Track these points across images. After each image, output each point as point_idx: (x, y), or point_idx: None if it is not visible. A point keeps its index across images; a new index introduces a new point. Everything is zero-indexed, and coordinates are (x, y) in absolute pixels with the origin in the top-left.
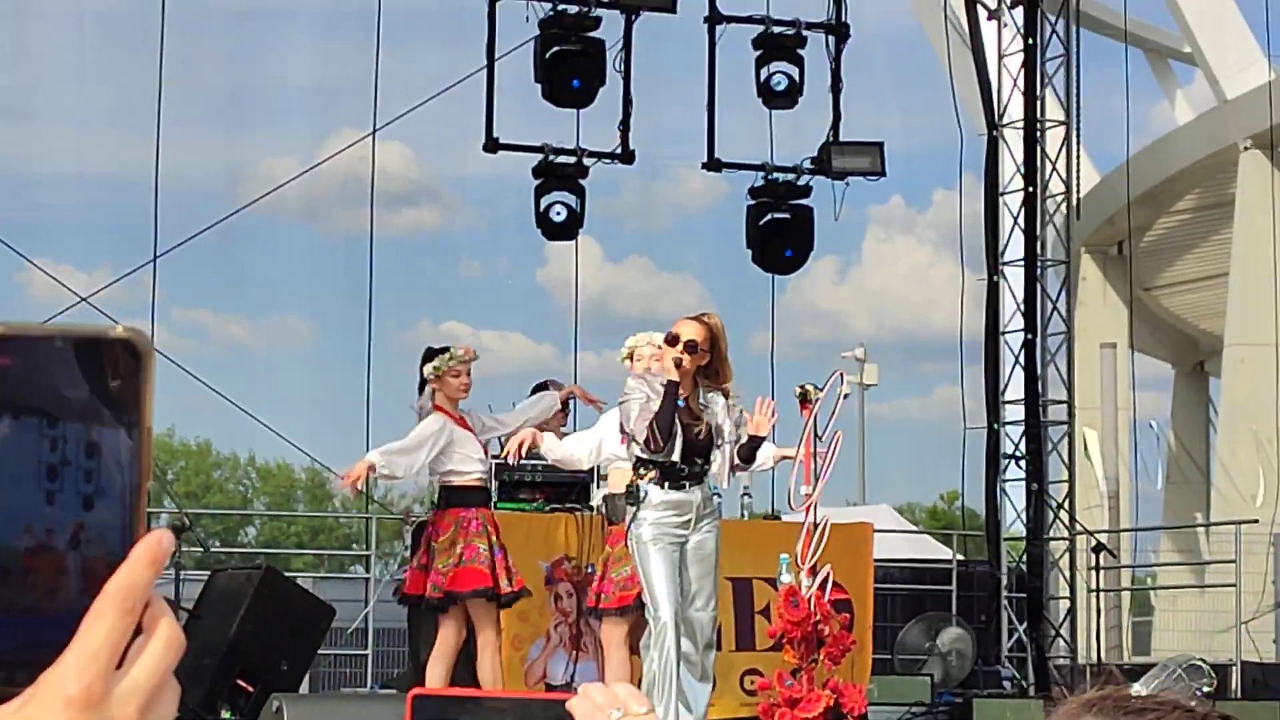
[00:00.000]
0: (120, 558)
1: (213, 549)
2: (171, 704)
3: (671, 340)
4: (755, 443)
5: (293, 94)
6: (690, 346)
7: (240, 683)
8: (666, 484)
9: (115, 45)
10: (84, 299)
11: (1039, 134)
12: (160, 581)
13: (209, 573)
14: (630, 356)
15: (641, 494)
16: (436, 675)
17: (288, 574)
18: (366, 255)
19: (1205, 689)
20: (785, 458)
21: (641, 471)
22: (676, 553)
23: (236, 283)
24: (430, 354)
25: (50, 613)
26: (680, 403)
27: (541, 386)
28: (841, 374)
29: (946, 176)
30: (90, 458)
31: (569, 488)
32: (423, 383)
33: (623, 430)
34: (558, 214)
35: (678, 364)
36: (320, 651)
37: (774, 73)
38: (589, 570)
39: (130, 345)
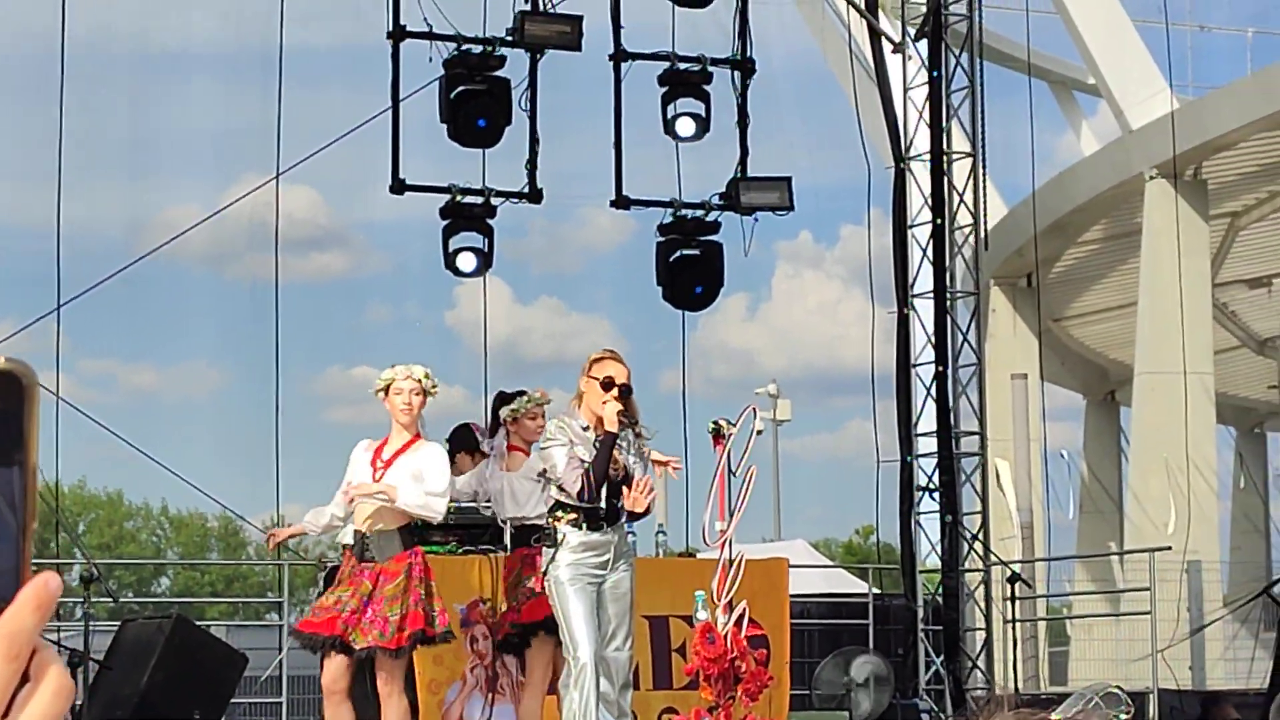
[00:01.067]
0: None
1: (127, 599)
2: None
3: (607, 385)
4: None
5: (195, 140)
6: (625, 391)
7: None
8: (585, 526)
9: (15, 95)
10: None
11: (946, 166)
12: (70, 633)
13: (119, 623)
14: (386, 390)
15: (559, 536)
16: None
17: (202, 623)
18: (273, 301)
19: (1123, 717)
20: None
21: (559, 514)
22: (594, 593)
23: (143, 332)
24: (505, 398)
25: None
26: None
27: (463, 429)
28: (754, 409)
29: (854, 211)
30: None
31: (482, 530)
32: (494, 426)
33: (544, 474)
34: (466, 254)
35: (621, 414)
36: (234, 700)
37: (681, 109)
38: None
39: (12, 377)
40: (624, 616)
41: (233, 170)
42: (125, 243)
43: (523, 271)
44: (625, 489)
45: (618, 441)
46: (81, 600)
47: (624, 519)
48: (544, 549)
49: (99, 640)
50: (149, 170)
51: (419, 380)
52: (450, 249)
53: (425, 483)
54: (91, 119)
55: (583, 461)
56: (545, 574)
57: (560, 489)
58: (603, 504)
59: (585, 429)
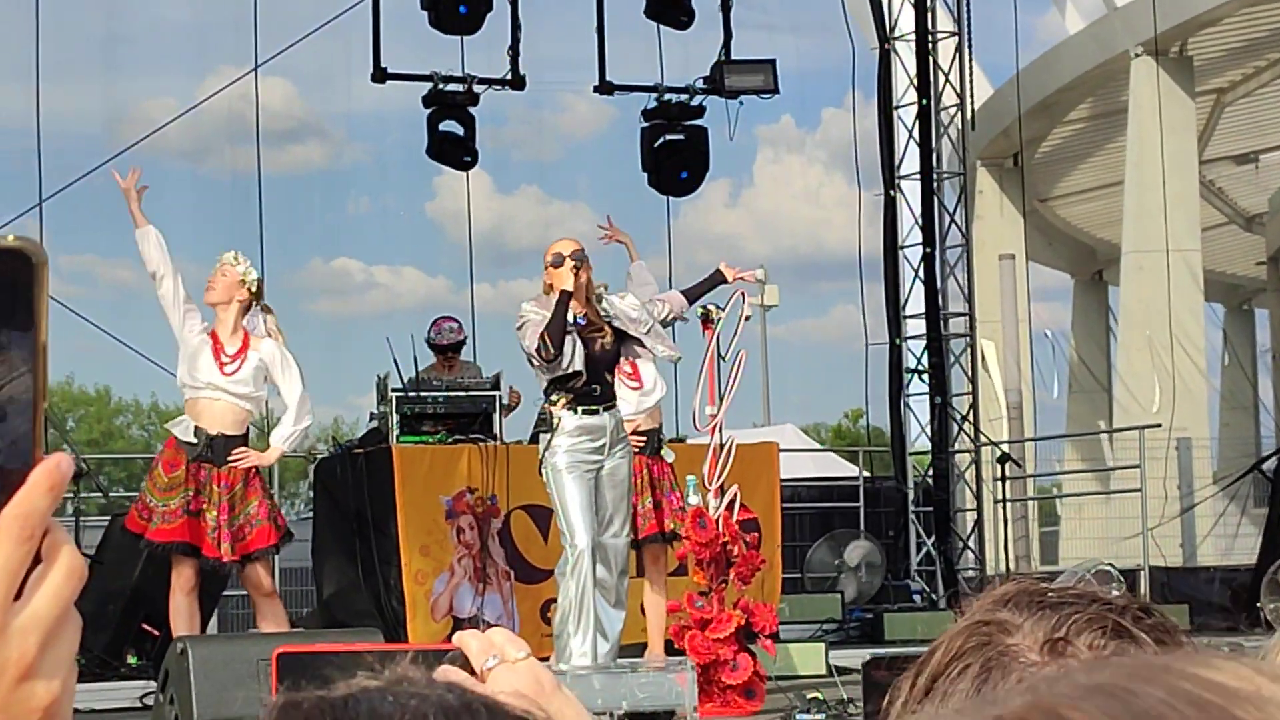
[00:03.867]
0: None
1: (117, 494)
2: (73, 636)
3: (558, 261)
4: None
5: (170, 33)
6: (578, 255)
7: (145, 627)
8: (580, 409)
9: None
10: None
11: (931, 46)
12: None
13: (110, 518)
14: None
15: (555, 420)
16: None
17: None
18: (252, 195)
19: (1115, 593)
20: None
21: (554, 398)
22: (592, 479)
23: (122, 227)
24: None
25: None
26: (580, 320)
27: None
28: (744, 294)
29: (835, 94)
30: None
31: (472, 418)
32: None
33: (530, 360)
34: (452, 142)
35: (576, 272)
36: (226, 593)
37: None
38: (491, 501)
39: (23, 255)
40: (621, 502)
41: (208, 63)
42: (102, 137)
43: (502, 161)
44: (618, 368)
45: (606, 312)
46: (72, 495)
47: (617, 407)
48: (540, 435)
49: (90, 536)
50: (125, 64)
51: (247, 282)
52: (436, 136)
53: (261, 386)
54: (66, 15)
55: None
56: (541, 460)
57: (532, 361)
58: (581, 369)
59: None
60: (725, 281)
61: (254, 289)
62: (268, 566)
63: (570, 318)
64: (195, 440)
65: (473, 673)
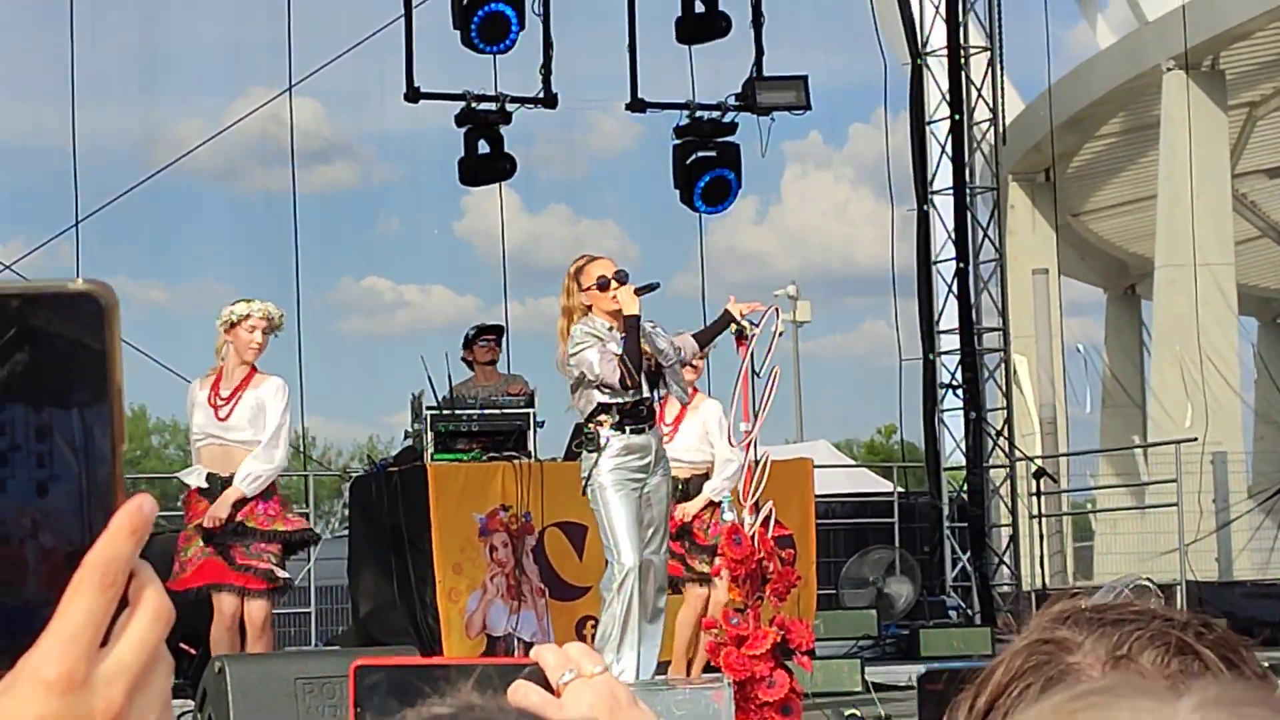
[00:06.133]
0: (80, 544)
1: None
2: (165, 679)
3: (603, 284)
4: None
5: (202, 53)
6: (622, 275)
7: (183, 646)
8: (628, 428)
9: (27, 10)
10: (8, 266)
11: (963, 61)
12: None
13: (148, 536)
14: (233, 324)
15: (602, 440)
16: None
17: None
18: (285, 215)
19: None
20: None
21: (601, 418)
22: (638, 497)
23: (153, 248)
24: None
25: (10, 606)
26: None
27: (490, 330)
28: (776, 309)
29: (862, 110)
30: (42, 441)
31: (506, 436)
32: None
33: (578, 384)
34: (486, 158)
35: (639, 294)
36: None
37: (695, 9)
38: (525, 519)
39: (93, 299)
40: (662, 520)
41: (239, 84)
42: (135, 158)
43: (531, 180)
44: (661, 382)
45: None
46: None
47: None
48: (584, 454)
49: None
50: (158, 85)
51: (271, 319)
52: (472, 156)
53: (263, 427)
54: (101, 35)
55: (615, 354)
56: (588, 479)
57: (600, 388)
58: (645, 393)
59: (610, 329)
60: (735, 320)
61: (231, 321)
62: (270, 603)
63: (617, 339)
64: (208, 485)
65: (549, 687)
